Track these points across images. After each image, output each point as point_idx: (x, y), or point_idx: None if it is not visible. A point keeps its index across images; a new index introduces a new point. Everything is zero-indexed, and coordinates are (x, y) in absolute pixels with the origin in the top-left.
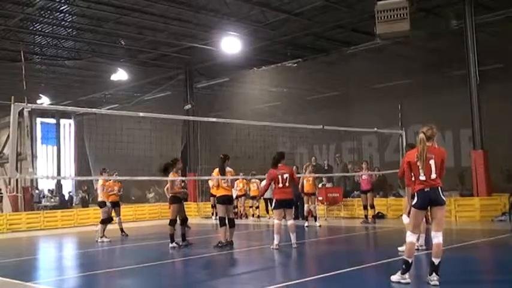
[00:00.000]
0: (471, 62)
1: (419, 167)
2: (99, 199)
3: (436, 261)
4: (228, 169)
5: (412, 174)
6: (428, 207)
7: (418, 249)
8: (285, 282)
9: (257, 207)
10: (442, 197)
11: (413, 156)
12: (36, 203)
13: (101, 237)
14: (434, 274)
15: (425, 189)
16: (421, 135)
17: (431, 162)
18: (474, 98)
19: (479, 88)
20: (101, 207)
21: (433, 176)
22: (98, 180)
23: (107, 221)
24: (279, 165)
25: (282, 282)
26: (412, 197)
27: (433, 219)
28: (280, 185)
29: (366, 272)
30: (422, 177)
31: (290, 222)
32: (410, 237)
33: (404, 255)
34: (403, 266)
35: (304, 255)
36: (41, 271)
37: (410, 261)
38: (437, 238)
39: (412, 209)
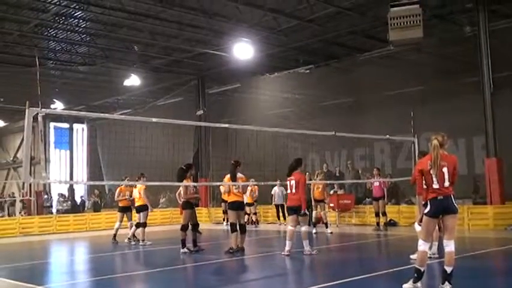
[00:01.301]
0: (485, 69)
1: (433, 175)
2: (138, 203)
3: (448, 269)
4: (239, 175)
5: (424, 182)
6: (440, 216)
7: (430, 258)
8: None
9: (254, 214)
10: (455, 205)
11: (426, 164)
12: (46, 207)
13: (143, 240)
14: (447, 283)
15: (439, 198)
16: (435, 142)
17: (445, 169)
18: (488, 105)
19: (492, 95)
20: (138, 212)
21: (446, 183)
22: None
23: (143, 225)
24: (295, 172)
25: None
26: (425, 205)
27: (445, 228)
28: (289, 191)
29: (377, 280)
30: (435, 185)
31: (302, 229)
32: (422, 246)
33: (417, 263)
34: (415, 275)
35: (315, 262)
36: (52, 275)
37: (422, 269)
38: (449, 246)
39: (425, 217)
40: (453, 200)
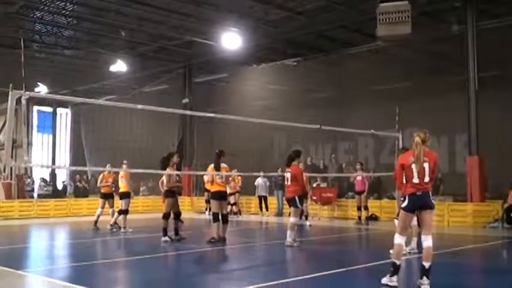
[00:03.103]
0: (471, 68)
1: (414, 170)
2: (122, 190)
3: (426, 265)
4: (223, 165)
5: (405, 176)
6: (417, 211)
7: (410, 253)
8: (274, 280)
9: (235, 204)
10: (432, 201)
11: (408, 159)
12: (28, 191)
13: (124, 227)
14: (425, 278)
15: (417, 193)
16: (417, 139)
17: (426, 165)
18: (472, 103)
19: (477, 94)
20: (121, 198)
21: (427, 179)
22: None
23: (125, 212)
24: (292, 163)
25: (270, 281)
26: (403, 200)
27: (423, 223)
28: (286, 182)
29: (356, 273)
30: (416, 180)
31: (290, 219)
32: (398, 239)
33: (393, 257)
34: (392, 268)
35: (295, 254)
36: (32, 260)
37: (398, 263)
38: (427, 242)
39: (401, 211)
40: (430, 196)
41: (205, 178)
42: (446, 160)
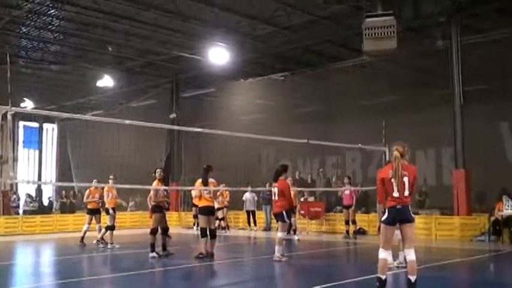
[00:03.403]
0: (455, 82)
1: (394, 184)
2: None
3: (412, 278)
4: (210, 180)
5: (384, 190)
6: (397, 224)
7: (397, 267)
8: None
9: (222, 219)
10: (412, 214)
11: (387, 173)
12: (14, 207)
13: (111, 243)
14: None
15: (397, 207)
16: (396, 153)
17: (405, 179)
18: (457, 117)
19: (462, 108)
20: (107, 214)
21: (406, 193)
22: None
23: (111, 227)
24: (280, 178)
25: None
26: (384, 213)
27: (404, 237)
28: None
29: None
30: (396, 194)
31: (278, 234)
32: (382, 253)
33: (378, 272)
34: (377, 284)
35: (283, 269)
36: (17, 277)
37: (383, 277)
38: (410, 255)
39: (382, 225)
40: (410, 209)
41: (193, 193)
42: (433, 173)
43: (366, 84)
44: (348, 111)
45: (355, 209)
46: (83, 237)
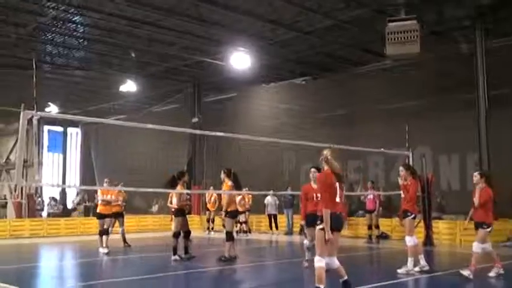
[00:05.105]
0: (480, 86)
1: (337, 189)
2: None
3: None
4: (229, 183)
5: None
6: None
7: (420, 272)
8: None
9: (245, 222)
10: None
11: (332, 178)
12: (38, 210)
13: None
14: None
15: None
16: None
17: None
18: (482, 122)
19: (487, 112)
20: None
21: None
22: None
23: (105, 231)
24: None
25: None
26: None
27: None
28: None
29: None
30: (338, 199)
31: (305, 241)
32: (318, 262)
33: (316, 282)
34: None
35: (304, 274)
36: (41, 279)
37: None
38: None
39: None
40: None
41: (207, 197)
42: (456, 178)
43: (388, 88)
44: (371, 116)
45: (378, 214)
46: (124, 239)
